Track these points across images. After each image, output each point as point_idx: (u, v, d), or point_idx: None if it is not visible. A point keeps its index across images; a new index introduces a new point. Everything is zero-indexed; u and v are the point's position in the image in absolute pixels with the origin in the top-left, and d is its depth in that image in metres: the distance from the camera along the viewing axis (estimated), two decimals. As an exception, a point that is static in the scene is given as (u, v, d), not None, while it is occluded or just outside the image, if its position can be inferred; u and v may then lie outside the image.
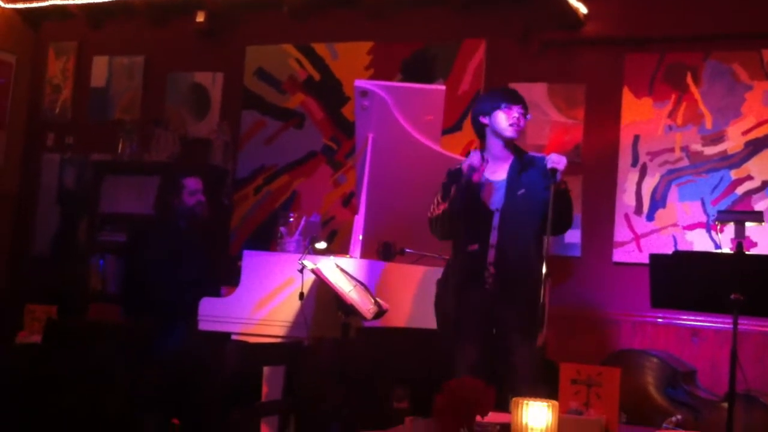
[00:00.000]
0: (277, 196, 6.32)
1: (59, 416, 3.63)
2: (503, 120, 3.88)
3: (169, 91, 6.75)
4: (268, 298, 4.38)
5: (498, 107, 3.89)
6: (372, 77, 6.00)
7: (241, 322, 4.40)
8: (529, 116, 3.95)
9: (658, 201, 5.36)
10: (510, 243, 3.80)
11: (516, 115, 3.88)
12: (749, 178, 5.19)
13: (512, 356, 3.77)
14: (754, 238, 5.04)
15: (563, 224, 3.85)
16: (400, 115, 4.57)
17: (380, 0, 6.11)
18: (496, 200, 3.87)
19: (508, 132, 3.89)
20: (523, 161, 3.90)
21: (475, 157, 3.83)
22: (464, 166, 3.83)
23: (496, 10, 5.85)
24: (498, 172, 3.91)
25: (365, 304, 4.05)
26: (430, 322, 4.04)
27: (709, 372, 4.99)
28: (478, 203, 3.85)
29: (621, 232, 5.42)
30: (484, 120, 3.93)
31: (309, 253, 4.34)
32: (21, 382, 3.59)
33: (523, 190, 3.83)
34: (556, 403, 2.36)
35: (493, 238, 3.82)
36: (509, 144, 3.94)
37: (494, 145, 3.93)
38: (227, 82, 6.58)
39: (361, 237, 4.54)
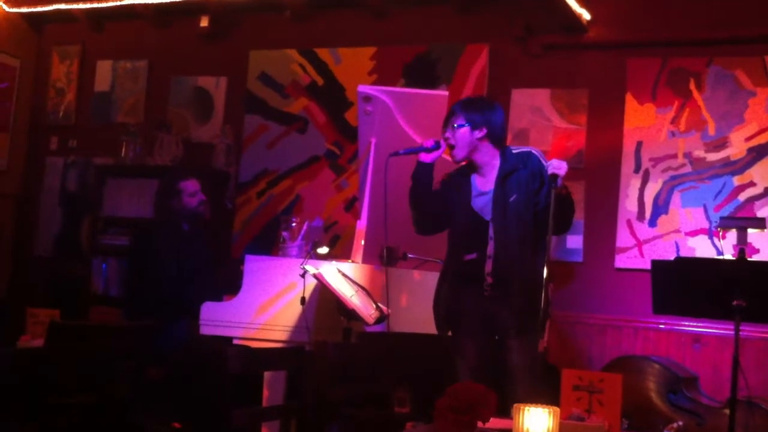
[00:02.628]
0: (279, 200, 6.32)
1: (60, 419, 3.64)
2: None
3: (172, 95, 6.76)
4: (270, 303, 4.38)
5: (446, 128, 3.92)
6: (375, 82, 6.01)
7: (243, 326, 4.40)
8: (456, 122, 3.84)
9: (661, 207, 5.36)
10: (507, 251, 3.76)
11: (447, 136, 3.87)
12: (752, 184, 5.19)
13: (512, 361, 3.76)
14: (756, 245, 5.04)
15: (563, 227, 3.83)
16: (403, 121, 4.58)
17: (383, 2, 6.13)
18: (490, 210, 3.82)
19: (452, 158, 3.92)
20: (507, 165, 3.83)
21: (428, 141, 3.90)
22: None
23: (499, 15, 5.86)
24: (488, 182, 3.87)
25: (367, 309, 4.05)
26: (431, 327, 4.04)
27: (711, 378, 4.99)
28: (430, 189, 3.89)
29: (623, 238, 5.42)
30: None
31: (311, 257, 4.34)
32: (22, 385, 3.59)
33: (514, 196, 3.78)
34: (557, 408, 2.36)
35: (490, 248, 3.79)
36: (491, 153, 3.88)
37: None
38: (230, 86, 6.59)
39: (363, 242, 4.54)
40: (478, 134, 3.84)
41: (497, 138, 3.89)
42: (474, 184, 3.89)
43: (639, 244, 5.37)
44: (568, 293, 5.41)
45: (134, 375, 3.98)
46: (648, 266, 4.38)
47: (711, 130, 5.31)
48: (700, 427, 4.43)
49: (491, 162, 3.87)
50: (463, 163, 3.93)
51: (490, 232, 3.80)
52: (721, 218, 4.85)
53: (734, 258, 4.08)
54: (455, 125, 3.85)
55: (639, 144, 5.44)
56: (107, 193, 6.52)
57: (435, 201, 3.90)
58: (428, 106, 4.70)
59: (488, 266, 3.79)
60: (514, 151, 3.90)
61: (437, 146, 3.88)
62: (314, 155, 6.26)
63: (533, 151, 3.86)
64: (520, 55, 5.79)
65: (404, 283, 4.57)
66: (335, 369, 3.41)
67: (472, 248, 3.81)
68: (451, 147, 3.87)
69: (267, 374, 4.24)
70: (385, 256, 4.72)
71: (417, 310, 4.46)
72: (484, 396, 2.37)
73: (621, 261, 5.41)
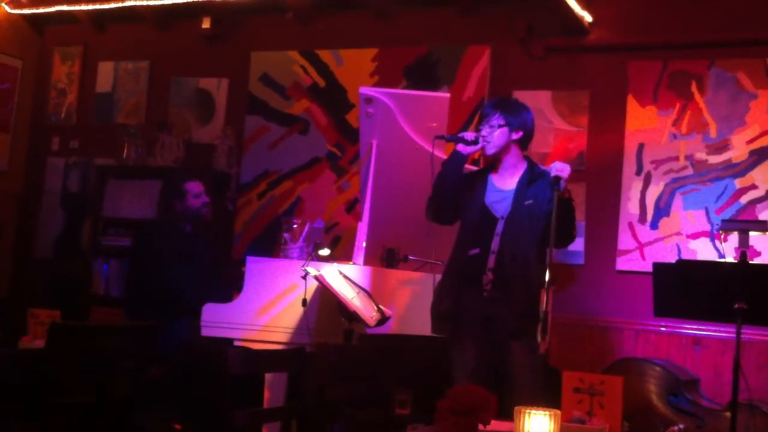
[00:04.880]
0: (280, 201, 6.32)
1: (61, 419, 3.64)
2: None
3: (173, 96, 6.76)
4: (271, 305, 4.38)
5: (482, 125, 3.97)
6: (377, 84, 6.02)
7: (244, 328, 4.41)
8: (495, 121, 3.90)
9: (662, 209, 5.36)
10: (511, 250, 3.80)
11: (484, 134, 3.92)
12: (753, 187, 5.19)
13: (511, 363, 3.76)
14: (758, 248, 5.03)
15: (567, 235, 3.79)
16: (404, 122, 4.58)
17: (385, 3, 6.13)
18: (502, 208, 3.88)
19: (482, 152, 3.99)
20: (534, 173, 3.92)
21: (468, 133, 3.95)
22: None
23: (500, 16, 5.86)
24: (508, 182, 3.93)
25: (368, 311, 4.05)
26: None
27: (712, 381, 4.98)
28: (463, 181, 3.94)
29: (624, 241, 5.41)
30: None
31: (312, 259, 4.34)
32: (23, 385, 3.59)
33: (530, 201, 3.85)
34: (558, 411, 2.36)
35: (495, 244, 3.83)
36: (518, 156, 3.96)
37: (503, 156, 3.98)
38: (232, 87, 6.59)
39: (364, 244, 4.54)
40: (515, 136, 3.93)
41: (527, 142, 4.00)
42: (491, 181, 3.97)
43: (640, 246, 5.37)
44: (570, 295, 5.40)
45: (135, 375, 3.99)
46: (649, 269, 4.38)
47: (712, 132, 5.31)
48: (701, 430, 4.43)
49: (516, 164, 3.96)
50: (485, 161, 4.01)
51: (498, 228, 3.85)
52: (723, 221, 4.84)
53: (736, 261, 4.08)
54: (494, 124, 3.91)
55: (640, 146, 5.44)
56: (108, 193, 6.52)
57: (458, 191, 3.94)
58: (429, 108, 4.70)
59: (491, 261, 3.81)
60: (540, 166, 3.98)
61: (476, 141, 3.92)
62: (315, 157, 6.26)
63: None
64: (521, 57, 5.79)
65: (405, 285, 4.57)
66: (336, 370, 3.42)
67: (477, 243, 3.84)
68: (486, 143, 3.92)
69: (268, 376, 4.25)
70: (386, 258, 4.73)
71: (418, 312, 4.46)
72: (484, 399, 2.37)
73: (622, 263, 5.40)
